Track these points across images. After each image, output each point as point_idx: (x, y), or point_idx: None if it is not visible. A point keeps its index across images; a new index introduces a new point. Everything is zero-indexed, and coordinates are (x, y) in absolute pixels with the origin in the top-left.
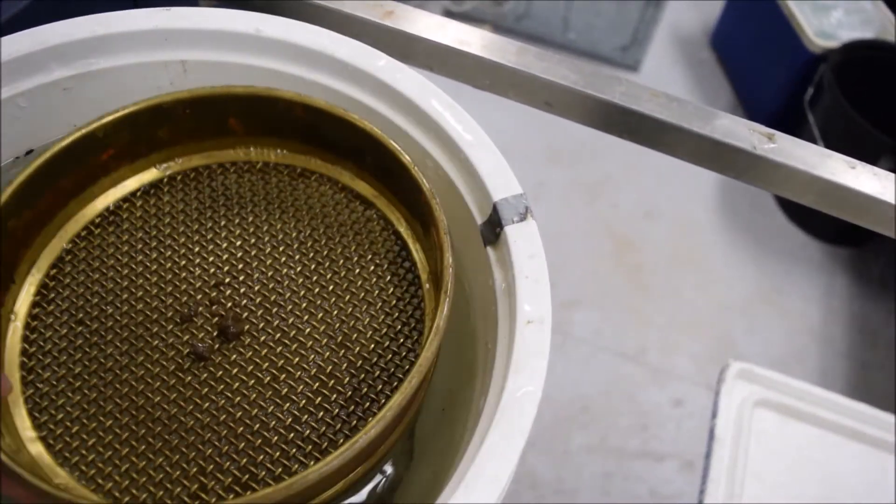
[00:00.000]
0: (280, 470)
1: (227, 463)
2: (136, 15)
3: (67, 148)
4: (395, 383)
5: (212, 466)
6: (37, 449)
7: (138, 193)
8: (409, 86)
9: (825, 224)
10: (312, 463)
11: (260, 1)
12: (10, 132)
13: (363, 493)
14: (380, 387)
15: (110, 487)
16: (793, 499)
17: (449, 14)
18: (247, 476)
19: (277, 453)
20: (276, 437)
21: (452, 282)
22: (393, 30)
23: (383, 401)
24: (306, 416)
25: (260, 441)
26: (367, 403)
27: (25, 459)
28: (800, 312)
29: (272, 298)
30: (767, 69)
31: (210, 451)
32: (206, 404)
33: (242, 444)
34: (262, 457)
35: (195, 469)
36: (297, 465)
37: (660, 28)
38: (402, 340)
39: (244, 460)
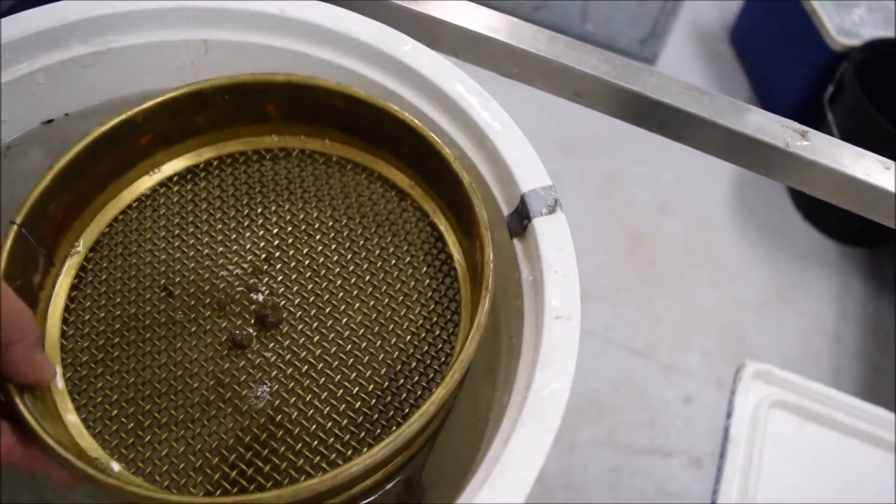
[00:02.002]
0: (318, 458)
1: (267, 451)
2: None
3: (108, 132)
4: (432, 375)
5: (251, 454)
6: (78, 431)
7: (175, 178)
8: (435, 71)
9: (840, 224)
10: (350, 453)
11: None
12: (27, 107)
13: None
14: (416, 378)
15: (150, 471)
16: (807, 501)
17: None
18: (285, 464)
19: (316, 442)
20: (314, 426)
21: (493, 277)
22: (420, 14)
23: (419, 392)
24: (344, 406)
25: (298, 429)
26: (404, 395)
27: (69, 442)
28: (813, 312)
29: (309, 287)
30: (787, 66)
31: (249, 437)
32: (245, 392)
33: (281, 432)
34: (300, 445)
35: (234, 456)
36: (334, 455)
37: (679, 21)
38: (437, 332)
39: (283, 448)
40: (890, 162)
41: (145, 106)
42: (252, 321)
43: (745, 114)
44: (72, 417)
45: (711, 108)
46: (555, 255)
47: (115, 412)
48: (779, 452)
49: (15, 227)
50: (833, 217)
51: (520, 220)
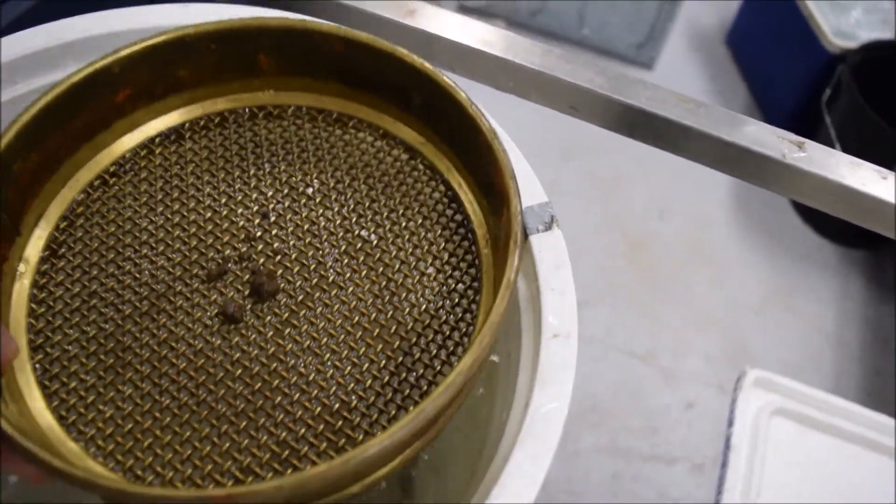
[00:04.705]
0: (325, 445)
1: (265, 437)
2: (152, 11)
3: (80, 83)
4: (453, 347)
5: (247, 441)
6: (47, 420)
7: (157, 140)
8: None
9: (839, 226)
10: (362, 437)
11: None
12: None
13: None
14: (434, 351)
15: (132, 464)
16: None
17: (463, 10)
18: (287, 451)
19: (321, 426)
20: (318, 408)
21: (522, 232)
22: (415, 29)
23: (439, 367)
24: (353, 384)
25: (301, 412)
26: (421, 370)
27: (34, 432)
28: (814, 315)
29: (310, 254)
30: (784, 68)
31: (244, 423)
32: (239, 371)
33: (281, 416)
34: (303, 430)
35: (228, 444)
36: (343, 440)
37: (675, 25)
38: (456, 300)
39: (283, 433)
40: (887, 172)
41: (122, 54)
42: (246, 292)
43: (742, 125)
44: (39, 405)
45: (707, 120)
46: (552, 271)
47: (91, 399)
48: (780, 460)
49: None
50: (832, 219)
51: None
